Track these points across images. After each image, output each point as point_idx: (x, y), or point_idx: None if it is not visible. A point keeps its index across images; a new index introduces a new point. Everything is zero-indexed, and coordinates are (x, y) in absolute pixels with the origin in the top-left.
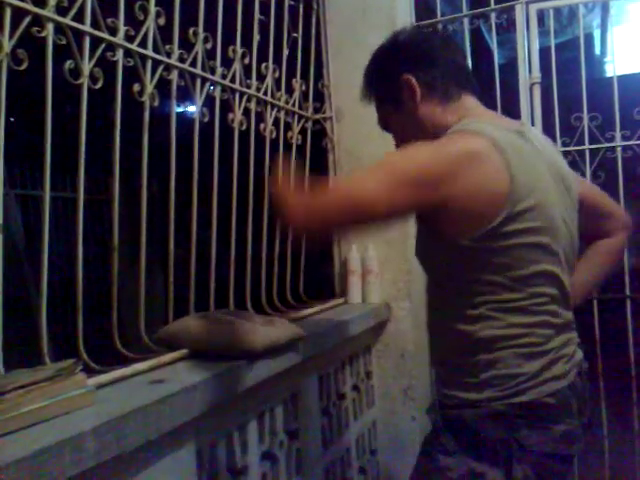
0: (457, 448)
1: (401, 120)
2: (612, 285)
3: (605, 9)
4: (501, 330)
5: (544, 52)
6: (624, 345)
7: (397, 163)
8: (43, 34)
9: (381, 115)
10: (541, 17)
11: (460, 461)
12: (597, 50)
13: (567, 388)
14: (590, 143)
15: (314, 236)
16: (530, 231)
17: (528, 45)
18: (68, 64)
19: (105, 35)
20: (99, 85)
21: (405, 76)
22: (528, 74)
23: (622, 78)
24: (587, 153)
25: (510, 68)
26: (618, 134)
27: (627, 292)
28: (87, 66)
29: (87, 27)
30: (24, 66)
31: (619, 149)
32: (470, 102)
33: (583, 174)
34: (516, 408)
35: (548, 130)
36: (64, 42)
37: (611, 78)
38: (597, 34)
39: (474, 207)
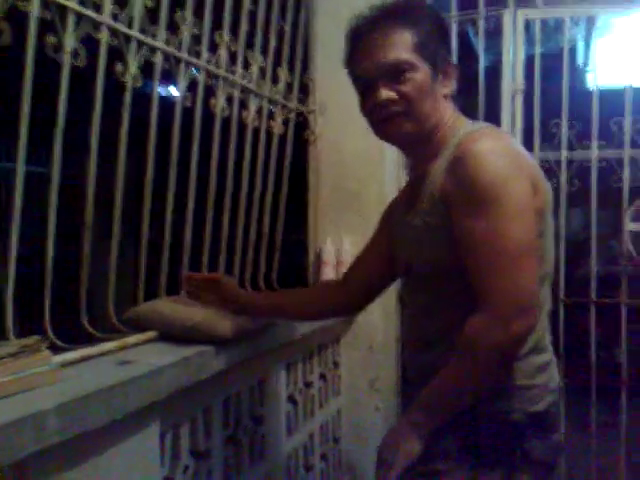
0: (457, 454)
1: (425, 89)
2: (579, 290)
3: (591, 22)
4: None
5: (527, 60)
6: (586, 348)
7: (509, 195)
8: (28, 8)
9: (404, 64)
10: (527, 25)
11: (459, 467)
12: (580, 61)
13: (559, 398)
14: (567, 151)
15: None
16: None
17: (513, 52)
18: (51, 39)
19: (90, 12)
20: (81, 62)
21: (452, 61)
22: (512, 81)
23: (603, 90)
24: (564, 162)
25: (492, 74)
26: (595, 144)
27: (593, 297)
28: (70, 42)
29: (72, 3)
30: (6, 40)
31: (595, 159)
32: (463, 117)
33: (559, 182)
34: (529, 418)
35: (527, 137)
36: (48, 17)
37: (591, 89)
38: (581, 45)
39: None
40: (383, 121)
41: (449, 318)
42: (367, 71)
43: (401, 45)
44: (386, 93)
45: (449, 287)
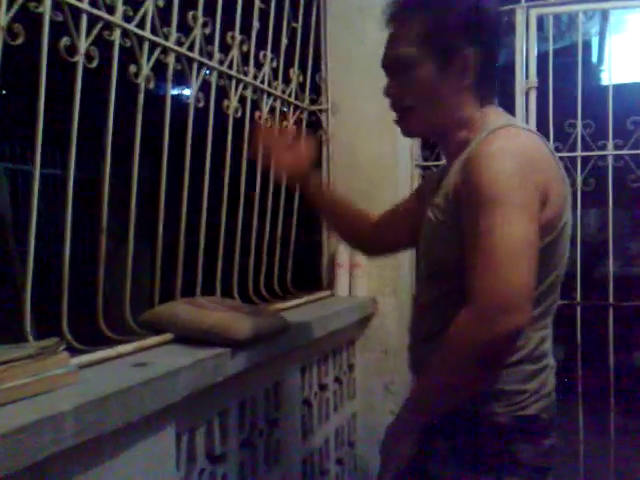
0: (449, 456)
1: (426, 85)
2: (596, 292)
3: (604, 17)
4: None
5: (541, 57)
6: (605, 351)
7: (510, 196)
8: (40, 10)
9: (404, 61)
10: (540, 22)
11: (451, 469)
12: (594, 58)
13: (554, 403)
14: (582, 150)
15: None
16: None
17: (526, 50)
18: (64, 41)
19: (103, 14)
20: (94, 64)
21: (469, 51)
22: (525, 78)
23: (618, 87)
24: (579, 160)
25: (504, 71)
26: (610, 143)
27: (610, 299)
28: (83, 44)
29: (85, 4)
30: (20, 41)
31: (610, 158)
32: (497, 113)
33: (574, 181)
34: (517, 422)
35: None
36: (61, 19)
37: (607, 86)
38: (595, 42)
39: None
40: (397, 115)
41: (449, 316)
42: (382, 64)
43: (405, 39)
44: (390, 88)
45: (453, 285)
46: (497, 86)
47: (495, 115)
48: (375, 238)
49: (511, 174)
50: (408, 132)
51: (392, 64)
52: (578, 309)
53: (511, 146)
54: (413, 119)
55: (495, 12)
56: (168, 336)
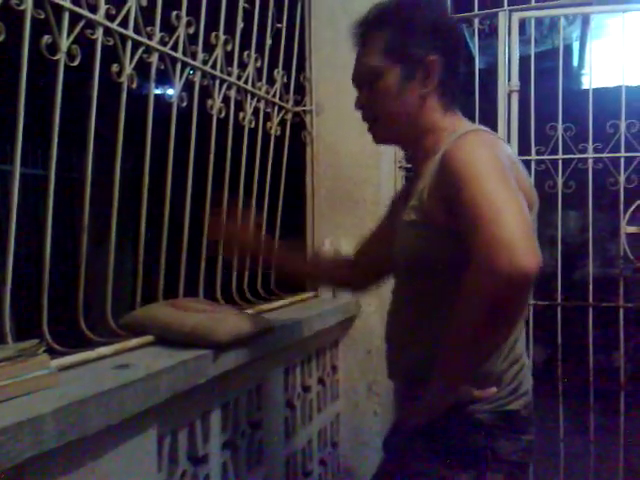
0: (430, 454)
1: (392, 93)
2: (576, 293)
3: (585, 22)
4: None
5: (523, 60)
6: (584, 351)
7: (490, 169)
8: (21, 7)
9: (371, 72)
10: (522, 25)
11: (431, 467)
12: (575, 62)
13: (531, 400)
14: (563, 153)
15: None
16: None
17: (508, 53)
18: (46, 39)
19: (85, 12)
20: (76, 62)
21: (432, 57)
22: (507, 81)
23: (598, 91)
24: (560, 163)
25: (488, 74)
26: (590, 146)
27: (590, 300)
28: (65, 42)
29: (67, 2)
30: (0, 39)
31: (590, 161)
32: (464, 121)
33: (555, 183)
34: (498, 418)
35: (523, 138)
36: (43, 16)
37: (587, 90)
38: (576, 46)
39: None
40: (367, 126)
41: (426, 314)
42: (352, 79)
43: (372, 53)
44: (359, 100)
45: (430, 283)
46: (458, 95)
47: (462, 122)
48: (359, 276)
49: (484, 153)
50: (378, 140)
51: (360, 77)
52: (559, 309)
53: (481, 141)
54: (380, 128)
55: (454, 23)
56: (150, 338)
